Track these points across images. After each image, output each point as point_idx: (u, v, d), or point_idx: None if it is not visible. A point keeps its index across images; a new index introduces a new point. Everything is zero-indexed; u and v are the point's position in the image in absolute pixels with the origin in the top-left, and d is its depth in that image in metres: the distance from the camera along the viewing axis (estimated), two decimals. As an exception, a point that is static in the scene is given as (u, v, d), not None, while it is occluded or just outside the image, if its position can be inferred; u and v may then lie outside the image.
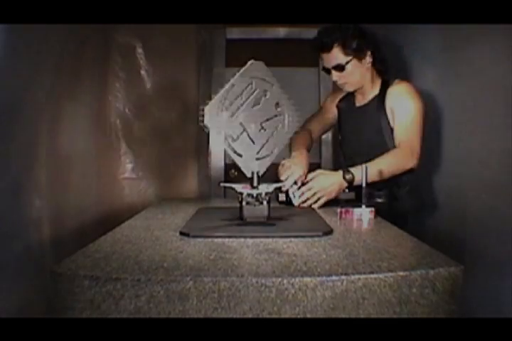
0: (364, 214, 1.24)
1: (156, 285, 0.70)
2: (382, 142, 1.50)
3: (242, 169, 1.13)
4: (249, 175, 1.12)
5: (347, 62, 1.45)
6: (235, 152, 1.12)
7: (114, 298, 0.70)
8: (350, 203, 1.30)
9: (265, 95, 1.13)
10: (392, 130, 1.48)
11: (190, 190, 2.15)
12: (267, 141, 1.14)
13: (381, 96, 1.52)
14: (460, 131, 1.50)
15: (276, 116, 1.14)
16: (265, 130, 1.14)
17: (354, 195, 1.46)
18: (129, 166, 2.02)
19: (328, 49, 1.44)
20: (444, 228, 1.52)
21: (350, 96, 1.64)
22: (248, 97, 1.12)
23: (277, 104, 1.13)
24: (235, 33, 2.46)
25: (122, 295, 0.70)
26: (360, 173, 1.23)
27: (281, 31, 2.48)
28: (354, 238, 1.03)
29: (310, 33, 2.46)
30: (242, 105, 1.12)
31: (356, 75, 1.49)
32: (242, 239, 0.97)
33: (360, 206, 1.25)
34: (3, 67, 1.09)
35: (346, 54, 1.44)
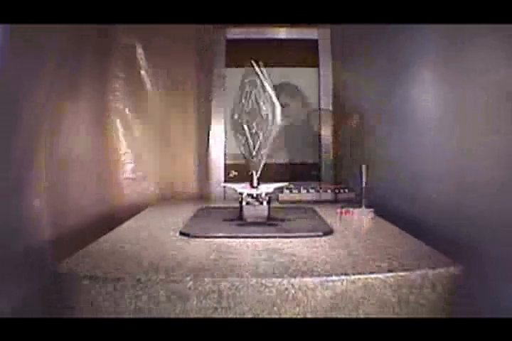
0: (364, 214, 1.25)
1: (156, 285, 0.70)
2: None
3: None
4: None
5: None
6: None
7: (114, 298, 0.70)
8: (350, 203, 1.31)
9: (257, 95, 1.15)
10: None
11: (190, 190, 2.15)
12: (259, 141, 1.15)
13: None
14: (459, 131, 1.50)
15: (265, 115, 1.15)
16: (258, 129, 1.15)
17: (354, 195, 1.47)
18: (129, 166, 2.01)
19: None
20: (445, 228, 1.52)
21: None
22: (245, 98, 1.14)
23: (266, 104, 1.15)
24: (234, 33, 2.46)
25: (122, 295, 0.70)
26: None
27: (281, 31, 2.48)
28: (354, 238, 1.03)
29: (310, 33, 2.49)
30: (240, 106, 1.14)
31: None
32: (242, 239, 0.97)
33: (360, 206, 1.26)
34: (2, 67, 1.09)
35: None
